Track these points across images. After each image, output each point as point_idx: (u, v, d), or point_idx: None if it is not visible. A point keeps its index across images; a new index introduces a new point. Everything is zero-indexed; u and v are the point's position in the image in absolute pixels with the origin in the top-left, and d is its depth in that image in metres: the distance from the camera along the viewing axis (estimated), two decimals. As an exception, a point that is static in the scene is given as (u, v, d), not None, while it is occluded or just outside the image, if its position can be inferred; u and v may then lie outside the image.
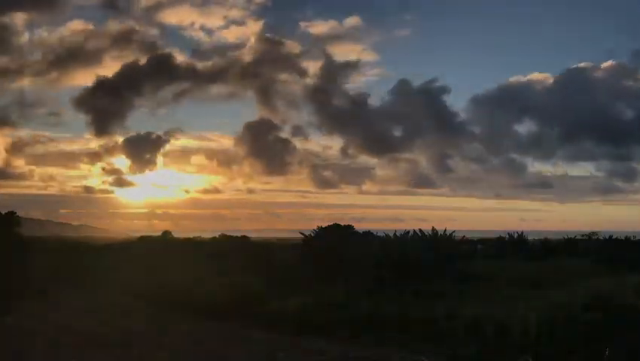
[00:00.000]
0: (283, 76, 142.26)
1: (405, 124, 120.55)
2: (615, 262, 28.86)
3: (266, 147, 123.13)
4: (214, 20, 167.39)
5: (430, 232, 31.41)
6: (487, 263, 31.13)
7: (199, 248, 35.40)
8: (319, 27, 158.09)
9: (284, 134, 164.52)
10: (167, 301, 20.08)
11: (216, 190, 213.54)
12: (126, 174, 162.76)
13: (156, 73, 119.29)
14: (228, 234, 39.51)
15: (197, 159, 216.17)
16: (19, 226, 33.46)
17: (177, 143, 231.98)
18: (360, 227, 33.72)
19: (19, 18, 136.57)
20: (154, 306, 20.11)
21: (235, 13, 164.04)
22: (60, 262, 30.52)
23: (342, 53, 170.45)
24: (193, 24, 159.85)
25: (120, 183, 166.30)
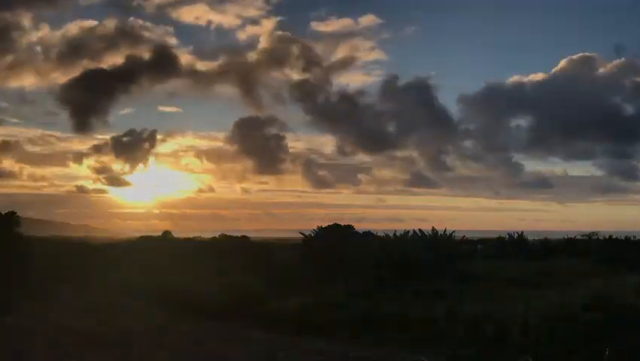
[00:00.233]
0: (285, 75, 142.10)
1: (405, 124, 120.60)
2: (615, 262, 28.86)
3: (266, 146, 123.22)
4: (228, 19, 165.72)
5: (430, 232, 31.44)
6: (487, 263, 31.13)
7: (199, 248, 35.39)
8: (331, 25, 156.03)
9: (284, 134, 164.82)
10: (167, 301, 20.08)
11: (216, 190, 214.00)
12: (127, 174, 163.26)
13: (156, 71, 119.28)
14: (228, 234, 39.50)
15: (198, 159, 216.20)
16: (19, 225, 33.44)
17: (177, 143, 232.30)
18: (360, 227, 33.76)
19: (23, 15, 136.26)
20: (154, 306, 20.11)
21: (249, 12, 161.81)
22: (60, 262, 30.53)
23: (346, 51, 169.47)
24: (207, 21, 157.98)
25: (121, 183, 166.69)
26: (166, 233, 42.27)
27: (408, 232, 32.56)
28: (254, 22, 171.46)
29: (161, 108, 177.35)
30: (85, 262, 30.89)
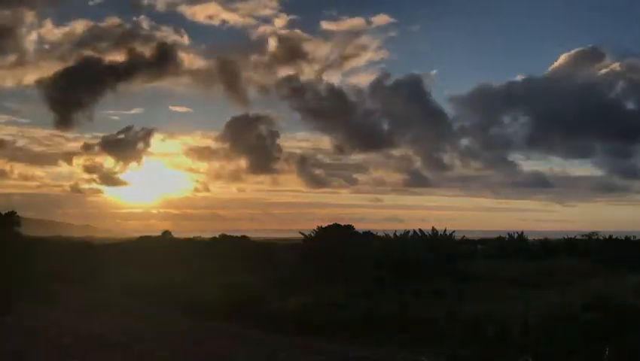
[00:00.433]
0: (288, 74, 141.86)
1: (405, 123, 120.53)
2: (615, 262, 28.85)
3: (266, 146, 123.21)
4: (237, 16, 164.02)
5: (430, 232, 31.47)
6: (487, 263, 31.12)
7: (199, 248, 35.40)
8: (341, 24, 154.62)
9: (285, 134, 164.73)
10: (167, 301, 20.10)
11: (217, 190, 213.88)
12: (127, 174, 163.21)
13: (154, 70, 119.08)
14: (228, 234, 39.51)
15: (198, 159, 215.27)
16: (20, 225, 33.47)
17: (178, 142, 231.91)
18: (360, 227, 33.75)
19: (25, 14, 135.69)
20: (154, 306, 20.13)
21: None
22: (60, 262, 30.54)
23: (353, 50, 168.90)
24: (218, 20, 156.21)
25: (121, 183, 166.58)
26: (166, 233, 42.28)
27: (408, 232, 32.62)
28: (266, 20, 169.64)
29: (172, 108, 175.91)
30: (86, 262, 30.92)
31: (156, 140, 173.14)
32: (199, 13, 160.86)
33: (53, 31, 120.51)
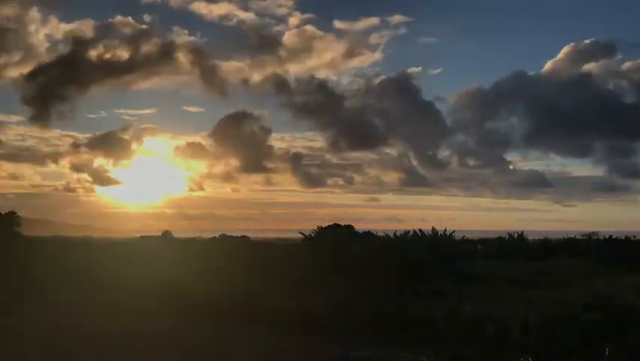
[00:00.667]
0: (290, 73, 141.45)
1: (406, 122, 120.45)
2: (615, 262, 28.87)
3: (266, 145, 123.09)
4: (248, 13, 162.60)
5: (430, 232, 31.52)
6: (487, 263, 31.15)
7: (199, 248, 35.41)
8: (354, 24, 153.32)
9: (285, 133, 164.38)
10: (167, 301, 20.07)
11: (217, 190, 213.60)
12: (126, 174, 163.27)
13: (152, 69, 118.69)
14: (228, 234, 39.54)
15: (199, 159, 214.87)
16: (19, 225, 33.51)
17: (177, 141, 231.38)
18: (359, 227, 33.82)
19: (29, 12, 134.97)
20: (155, 306, 20.10)
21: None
22: (60, 262, 30.51)
23: (359, 49, 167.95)
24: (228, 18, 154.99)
25: (122, 183, 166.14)
26: (166, 233, 42.27)
27: (408, 232, 32.68)
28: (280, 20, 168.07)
29: (185, 108, 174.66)
30: (86, 262, 30.90)
31: (157, 139, 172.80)
32: (213, 11, 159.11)
33: (58, 28, 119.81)
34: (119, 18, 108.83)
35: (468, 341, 13.02)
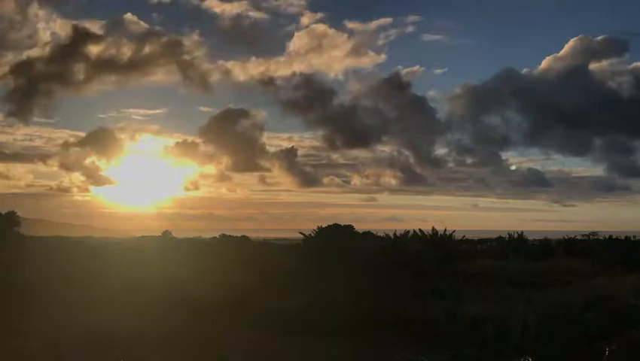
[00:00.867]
0: (291, 72, 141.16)
1: (406, 122, 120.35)
2: (615, 262, 28.88)
3: (265, 145, 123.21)
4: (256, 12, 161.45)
5: (430, 232, 31.51)
6: (487, 263, 31.14)
7: (199, 248, 35.40)
8: (364, 25, 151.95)
9: (285, 133, 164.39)
10: (167, 301, 20.07)
11: (217, 190, 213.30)
12: (125, 174, 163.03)
13: (153, 68, 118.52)
14: (228, 234, 39.50)
15: (199, 159, 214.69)
16: (19, 225, 33.50)
17: (177, 141, 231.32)
18: (359, 227, 33.78)
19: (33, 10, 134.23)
20: (155, 306, 20.10)
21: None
22: (60, 262, 30.51)
23: (363, 48, 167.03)
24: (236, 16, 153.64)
25: (122, 182, 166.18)
26: (166, 233, 42.23)
27: (408, 231, 32.65)
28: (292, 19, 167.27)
29: (200, 108, 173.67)
30: (86, 262, 30.90)
31: (157, 139, 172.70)
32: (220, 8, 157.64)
33: (65, 27, 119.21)
34: (128, 16, 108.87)
35: (468, 341, 13.02)
